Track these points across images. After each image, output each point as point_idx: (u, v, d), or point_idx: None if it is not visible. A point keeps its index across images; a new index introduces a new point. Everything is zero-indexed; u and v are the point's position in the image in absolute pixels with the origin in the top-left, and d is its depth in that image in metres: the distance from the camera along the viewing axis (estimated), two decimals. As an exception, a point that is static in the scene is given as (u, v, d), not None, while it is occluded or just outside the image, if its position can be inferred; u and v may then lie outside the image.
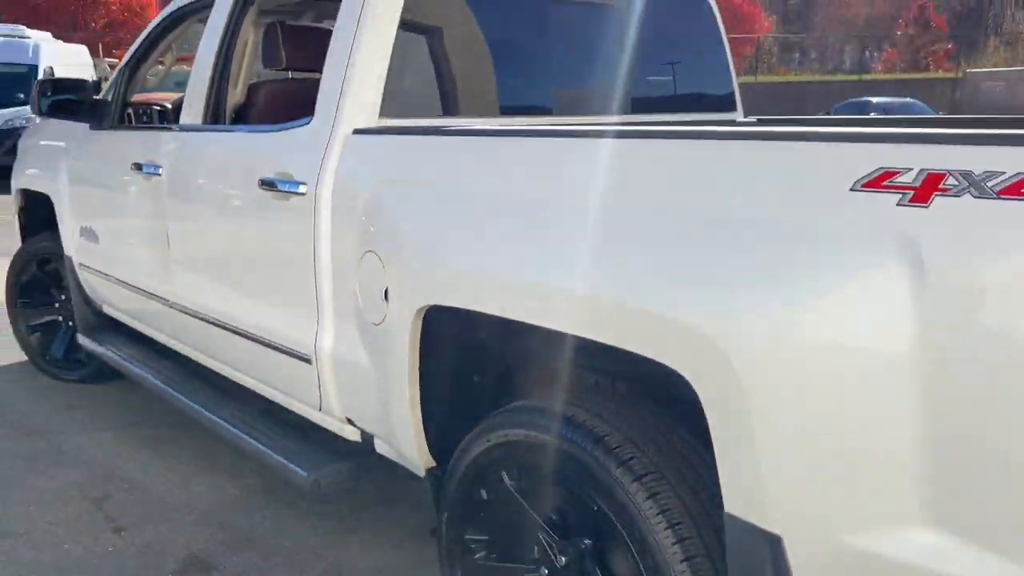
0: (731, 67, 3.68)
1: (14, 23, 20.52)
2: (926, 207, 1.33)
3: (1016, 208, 1.24)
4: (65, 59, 16.04)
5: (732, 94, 3.70)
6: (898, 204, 1.36)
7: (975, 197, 1.28)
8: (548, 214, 1.91)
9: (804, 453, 1.47)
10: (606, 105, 3.23)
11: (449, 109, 2.78)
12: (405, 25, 2.62)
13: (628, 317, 1.69)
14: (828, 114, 21.91)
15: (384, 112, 2.59)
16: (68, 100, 4.23)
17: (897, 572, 1.40)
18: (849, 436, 1.42)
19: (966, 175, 1.30)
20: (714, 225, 1.58)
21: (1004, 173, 1.26)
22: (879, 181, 1.38)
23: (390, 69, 2.59)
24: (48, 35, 17.25)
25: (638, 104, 3.33)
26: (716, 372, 1.54)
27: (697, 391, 1.58)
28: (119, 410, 4.39)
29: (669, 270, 1.63)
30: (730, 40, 3.70)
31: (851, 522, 1.45)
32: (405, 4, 2.60)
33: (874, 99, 21.85)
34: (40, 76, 14.53)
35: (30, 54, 15.04)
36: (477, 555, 2.23)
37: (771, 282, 1.49)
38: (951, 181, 1.31)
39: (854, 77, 30.19)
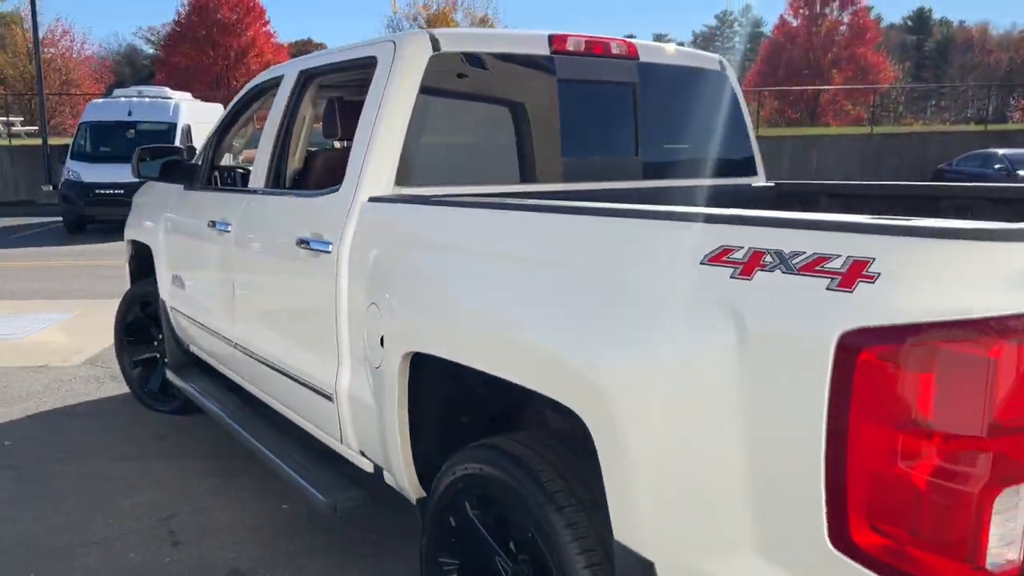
0: (750, 135, 3.89)
1: (167, 84, 22.50)
2: (750, 280, 1.56)
3: (810, 283, 1.46)
4: (202, 117, 17.47)
5: (752, 160, 3.91)
6: (731, 276, 1.59)
7: (784, 272, 1.51)
8: (483, 277, 2.22)
9: (665, 485, 1.70)
10: (619, 171, 3.51)
11: (462, 178, 3.12)
12: (421, 104, 2.99)
13: (537, 365, 1.97)
14: (948, 167, 21.14)
15: (399, 181, 2.95)
16: (172, 162, 4.82)
17: None
18: (696, 470, 1.64)
19: (779, 254, 1.53)
20: (600, 288, 1.85)
21: (804, 253, 1.49)
22: (720, 256, 1.63)
23: (405, 143, 2.96)
24: (188, 95, 18.83)
25: (654, 170, 3.59)
26: (600, 413, 1.80)
27: (591, 430, 1.84)
28: (199, 440, 4.89)
29: (565, 327, 1.90)
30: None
31: (702, 549, 1.67)
32: (420, 87, 2.98)
33: (1000, 150, 20.92)
34: (178, 134, 15.96)
35: (170, 113, 16.50)
36: (449, 576, 2.50)
37: (642, 338, 1.74)
38: (768, 259, 1.54)
39: (980, 127, 28.94)
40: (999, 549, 1.33)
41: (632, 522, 1.78)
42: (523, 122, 3.29)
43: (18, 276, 10.95)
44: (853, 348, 1.38)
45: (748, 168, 3.90)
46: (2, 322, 8.07)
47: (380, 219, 2.82)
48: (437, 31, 3.11)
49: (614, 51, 3.45)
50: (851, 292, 1.40)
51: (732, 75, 3.84)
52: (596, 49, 3.40)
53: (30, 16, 22.03)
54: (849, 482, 1.40)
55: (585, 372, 1.83)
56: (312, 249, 3.11)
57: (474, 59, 3.15)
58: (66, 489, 4.25)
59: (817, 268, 1.46)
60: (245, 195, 3.89)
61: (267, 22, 41.87)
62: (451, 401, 2.66)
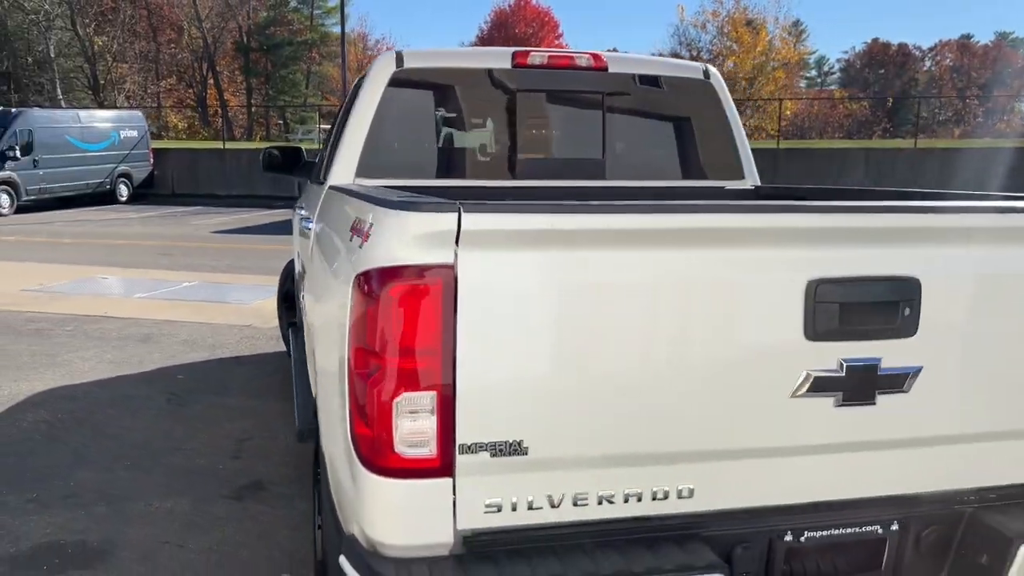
0: (737, 141, 4.07)
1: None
2: (353, 242, 2.08)
3: (357, 240, 1.97)
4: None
5: (737, 164, 4.09)
6: (350, 239, 2.12)
7: (357, 236, 2.02)
8: (314, 243, 2.87)
9: (322, 396, 2.26)
10: (581, 171, 3.92)
11: (416, 173, 3.74)
12: (383, 110, 3.65)
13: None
14: None
15: (359, 174, 3.64)
16: (304, 161, 5.89)
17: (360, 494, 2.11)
18: (328, 383, 2.18)
19: (360, 221, 2.04)
20: (329, 246, 2.43)
21: (365, 220, 1.99)
22: (354, 226, 2.15)
23: (366, 142, 3.64)
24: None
25: (619, 170, 3.95)
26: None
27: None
28: (308, 388, 5.92)
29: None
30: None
31: (334, 447, 2.20)
32: (382, 97, 3.65)
33: None
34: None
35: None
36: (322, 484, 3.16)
37: (324, 282, 2.31)
38: (359, 226, 2.05)
39: None
40: (413, 441, 1.76)
41: (322, 428, 2.35)
42: (478, 126, 3.83)
43: (272, 256, 13.03)
44: (355, 287, 1.87)
45: (732, 172, 4.08)
46: (241, 291, 9.87)
47: (325, 203, 3.54)
48: (406, 51, 3.75)
49: (580, 63, 3.86)
50: (362, 248, 1.89)
51: (719, 84, 4.04)
52: (561, 62, 3.84)
53: (360, 36, 25.42)
54: (349, 388, 1.89)
55: (310, 308, 2.43)
56: (306, 228, 3.90)
57: (436, 73, 3.76)
58: (195, 413, 5.43)
59: (362, 230, 1.96)
60: (312, 185, 4.80)
61: (560, 35, 44.11)
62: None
